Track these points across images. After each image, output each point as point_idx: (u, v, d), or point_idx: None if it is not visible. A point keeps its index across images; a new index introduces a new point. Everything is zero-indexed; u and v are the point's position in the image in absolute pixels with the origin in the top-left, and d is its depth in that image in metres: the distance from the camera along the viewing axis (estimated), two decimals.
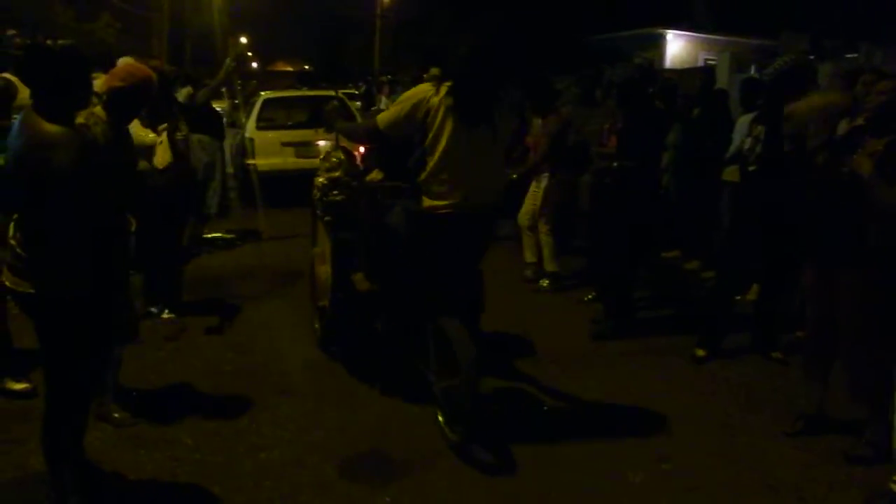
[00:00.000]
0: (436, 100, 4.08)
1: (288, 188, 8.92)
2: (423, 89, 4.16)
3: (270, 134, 11.39)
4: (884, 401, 4.10)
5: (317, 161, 5.97)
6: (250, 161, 10.24)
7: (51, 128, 3.02)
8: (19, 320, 4.17)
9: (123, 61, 5.70)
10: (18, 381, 4.74)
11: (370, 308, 4.90)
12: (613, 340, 6.07)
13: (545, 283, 7.48)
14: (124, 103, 3.84)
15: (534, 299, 7.26)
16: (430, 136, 4.09)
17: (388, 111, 4.39)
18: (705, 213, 7.87)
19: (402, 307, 4.76)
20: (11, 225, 3.23)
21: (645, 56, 15.86)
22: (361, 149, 6.29)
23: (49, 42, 3.11)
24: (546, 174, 7.36)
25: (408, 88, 5.32)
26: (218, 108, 10.27)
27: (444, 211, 4.14)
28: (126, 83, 3.84)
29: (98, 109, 3.75)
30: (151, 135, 5.71)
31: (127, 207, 3.69)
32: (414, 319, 4.63)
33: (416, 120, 4.11)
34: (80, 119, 3.35)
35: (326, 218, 5.20)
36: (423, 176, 4.16)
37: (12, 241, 3.18)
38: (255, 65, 39.93)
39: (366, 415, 4.65)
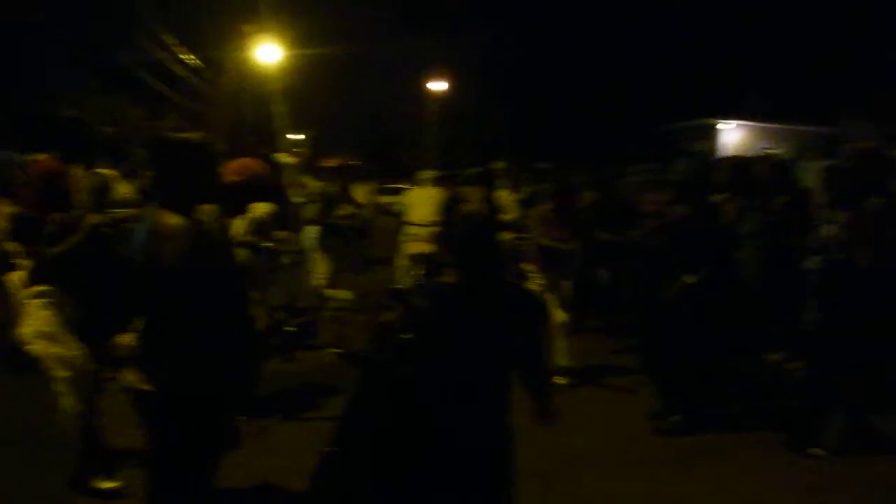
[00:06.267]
0: None
1: None
2: None
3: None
4: None
5: None
6: None
7: (169, 219, 2.99)
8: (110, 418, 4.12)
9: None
10: (107, 480, 4.66)
11: None
12: (693, 436, 5.84)
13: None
14: (238, 197, 3.84)
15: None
16: None
17: None
18: (789, 303, 7.66)
19: None
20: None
21: (699, 148, 15.86)
22: None
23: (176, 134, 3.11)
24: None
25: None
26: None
27: None
28: (242, 178, 3.85)
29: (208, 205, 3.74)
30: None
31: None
32: None
33: None
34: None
35: None
36: None
37: (134, 337, 3.12)
38: None
39: None
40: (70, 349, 1.66)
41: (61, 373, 1.59)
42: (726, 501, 4.85)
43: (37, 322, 1.66)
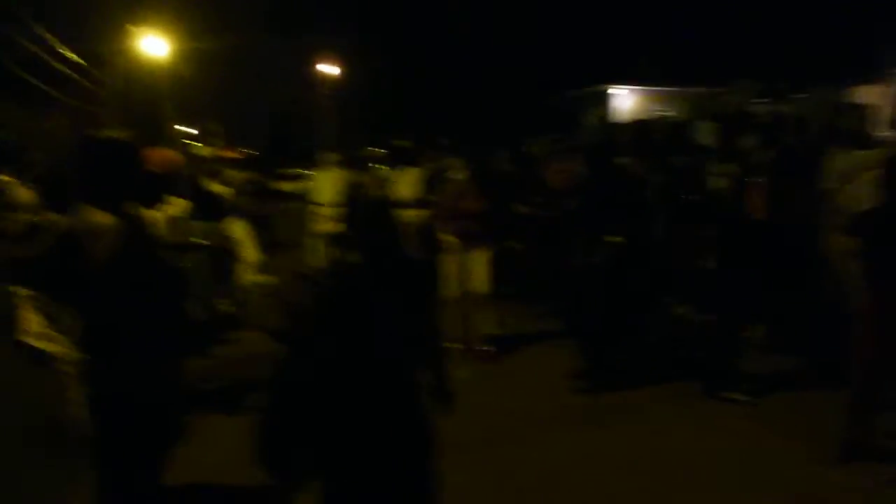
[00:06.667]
0: None
1: None
2: None
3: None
4: None
5: None
6: None
7: (100, 217, 2.96)
8: None
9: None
10: None
11: None
12: (616, 392, 6.05)
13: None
14: (157, 189, 3.79)
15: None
16: None
17: None
18: (693, 257, 7.95)
19: None
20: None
21: (598, 114, 16.22)
22: None
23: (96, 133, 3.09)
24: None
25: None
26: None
27: None
28: (161, 169, 3.81)
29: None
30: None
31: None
32: None
33: None
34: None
35: None
36: None
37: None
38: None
39: None
40: (64, 346, 1.67)
41: (67, 368, 1.61)
42: (655, 452, 5.01)
43: (30, 322, 1.66)
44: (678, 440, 5.17)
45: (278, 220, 14.17)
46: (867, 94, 13.94)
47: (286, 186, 24.11)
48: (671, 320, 7.44)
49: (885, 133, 7.63)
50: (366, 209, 2.81)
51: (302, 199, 11.19)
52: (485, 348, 7.20)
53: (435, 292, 2.96)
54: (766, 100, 12.00)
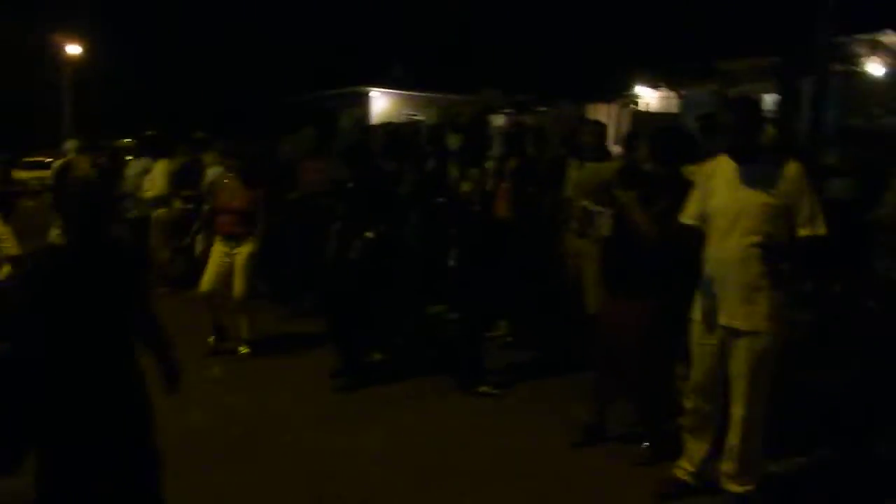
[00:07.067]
0: None
1: None
2: None
3: None
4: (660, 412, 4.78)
5: None
6: None
7: None
8: None
9: None
10: None
11: None
12: (373, 389, 6.17)
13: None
14: None
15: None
16: None
17: None
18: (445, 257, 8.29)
19: None
20: None
21: (356, 114, 16.40)
22: None
23: None
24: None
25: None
26: None
27: None
28: None
29: None
30: None
31: None
32: None
33: None
34: None
35: None
36: None
37: None
38: None
39: None
40: None
41: None
42: (412, 446, 5.16)
43: None
44: (434, 433, 5.36)
45: (19, 211, 13.16)
46: (597, 112, 15.20)
47: (26, 175, 22.41)
48: (426, 318, 7.74)
49: (613, 148, 8.39)
50: (70, 190, 2.83)
51: (44, 188, 10.47)
52: (241, 348, 7.11)
53: (148, 277, 3.02)
54: (510, 110, 12.74)
